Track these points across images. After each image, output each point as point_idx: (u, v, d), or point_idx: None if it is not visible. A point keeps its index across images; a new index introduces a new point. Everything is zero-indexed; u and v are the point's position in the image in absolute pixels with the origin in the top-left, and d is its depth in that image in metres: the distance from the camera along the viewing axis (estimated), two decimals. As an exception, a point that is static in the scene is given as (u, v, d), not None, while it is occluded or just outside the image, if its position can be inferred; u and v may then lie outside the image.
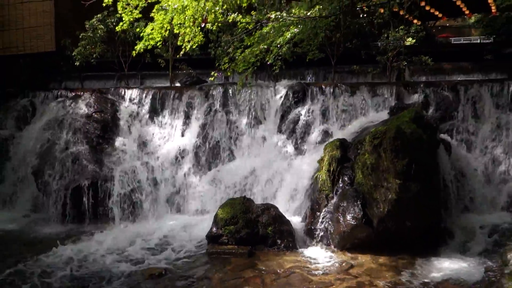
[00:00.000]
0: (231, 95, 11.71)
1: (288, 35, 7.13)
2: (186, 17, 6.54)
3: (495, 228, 8.67)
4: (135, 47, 7.23)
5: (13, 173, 11.64)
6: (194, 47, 7.22)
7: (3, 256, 8.48)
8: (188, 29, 6.83)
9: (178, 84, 12.92)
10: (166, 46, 12.25)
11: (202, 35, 7.27)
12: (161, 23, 6.74)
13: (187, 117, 11.74)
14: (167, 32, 6.95)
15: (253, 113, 11.45)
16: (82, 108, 11.73)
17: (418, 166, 8.15)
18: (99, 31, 12.47)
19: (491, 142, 10.22)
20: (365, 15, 11.76)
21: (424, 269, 7.64)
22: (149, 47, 7.21)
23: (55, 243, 8.94)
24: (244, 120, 11.44)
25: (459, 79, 11.99)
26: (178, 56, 8.88)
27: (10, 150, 11.92)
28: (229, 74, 8.47)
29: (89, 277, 7.57)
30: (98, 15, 12.34)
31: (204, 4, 6.39)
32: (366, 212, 8.42)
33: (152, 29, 6.90)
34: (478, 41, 20.31)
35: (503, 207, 9.57)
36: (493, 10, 17.82)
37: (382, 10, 12.50)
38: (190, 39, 6.91)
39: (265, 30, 7.34)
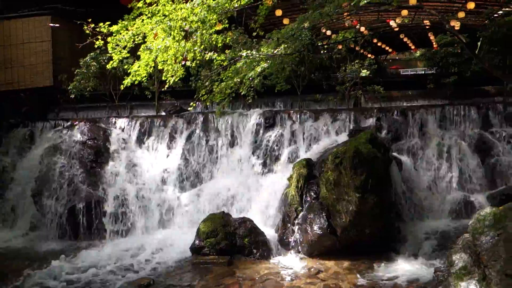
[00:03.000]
0: (210, 122, 11.70)
1: (258, 69, 7.19)
2: (169, 56, 6.60)
3: (442, 233, 8.78)
4: (123, 82, 7.21)
5: (14, 196, 11.32)
6: (176, 80, 7.24)
7: (4, 271, 8.23)
8: (170, 66, 6.87)
9: (163, 113, 12.87)
10: (152, 80, 12.23)
11: (183, 70, 7.29)
12: (147, 61, 6.78)
13: (171, 142, 11.66)
14: (152, 69, 6.97)
15: (230, 138, 11.45)
16: (77, 136, 11.54)
17: (374, 181, 8.26)
18: (92, 68, 12.39)
19: (435, 157, 10.41)
20: (325, 51, 11.98)
21: (382, 271, 7.71)
22: (136, 82, 7.20)
23: (53, 259, 8.74)
24: (222, 144, 11.42)
25: (407, 104, 12.23)
26: (163, 88, 8.86)
27: (12, 175, 11.63)
28: (207, 103, 8.48)
29: (83, 288, 7.41)
30: (91, 54, 12.27)
31: (185, 44, 6.47)
32: (331, 223, 8.46)
33: (138, 66, 6.92)
34: (423, 72, 20.82)
35: (447, 214, 9.72)
36: (434, 46, 18.39)
37: (340, 46, 12.77)
38: (172, 74, 6.94)
39: (238, 65, 7.40)
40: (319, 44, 9.85)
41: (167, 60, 6.72)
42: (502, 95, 11.83)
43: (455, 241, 7.03)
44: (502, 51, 11.03)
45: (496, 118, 10.78)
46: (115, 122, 12.22)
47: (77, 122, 12.06)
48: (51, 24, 13.20)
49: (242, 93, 8.08)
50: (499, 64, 11.05)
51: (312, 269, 7.91)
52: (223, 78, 7.35)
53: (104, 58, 12.01)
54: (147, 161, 11.44)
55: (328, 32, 14.07)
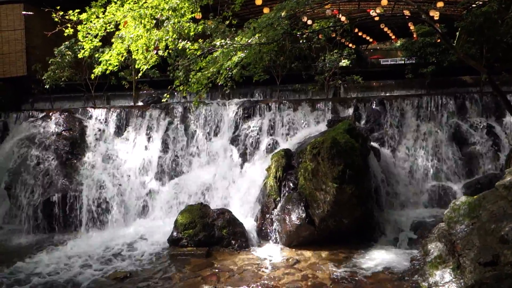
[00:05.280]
0: (188, 112, 11.56)
1: (235, 59, 7.07)
2: (140, 45, 6.43)
3: (419, 222, 8.87)
4: (93, 71, 7.01)
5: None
6: (148, 67, 7.07)
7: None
8: (142, 55, 6.70)
9: (140, 103, 12.66)
10: (130, 69, 11.99)
11: (156, 57, 7.12)
12: (119, 50, 6.60)
13: (150, 132, 11.48)
14: (123, 57, 6.79)
15: (209, 128, 11.33)
16: (52, 127, 11.29)
17: (352, 171, 8.24)
18: (67, 57, 12.07)
19: (413, 147, 10.47)
20: (304, 41, 11.90)
21: (360, 261, 7.72)
22: (108, 71, 7.00)
23: (28, 252, 8.57)
24: (201, 134, 11.30)
25: (385, 94, 12.26)
26: (137, 77, 8.60)
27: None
28: (185, 94, 8.30)
29: (58, 282, 7.25)
30: (66, 43, 11.95)
31: (156, 33, 6.30)
32: (309, 213, 8.43)
33: (110, 56, 6.73)
34: (403, 62, 20.91)
35: (425, 203, 9.81)
36: (414, 36, 18.48)
37: (321, 36, 12.69)
38: (145, 63, 6.78)
39: (215, 54, 7.27)
40: (298, 33, 9.75)
41: (139, 50, 6.57)
42: (478, 85, 11.93)
43: (432, 230, 7.11)
44: (479, 41, 11.09)
45: (473, 107, 10.89)
46: (91, 112, 11.96)
47: (52, 113, 11.78)
48: (24, 12, 12.81)
49: (219, 84, 7.93)
50: (475, 54, 11.12)
51: (291, 260, 7.90)
52: (200, 68, 7.20)
53: (79, 47, 11.70)
54: (124, 152, 11.23)
55: (309, 22, 13.98)
